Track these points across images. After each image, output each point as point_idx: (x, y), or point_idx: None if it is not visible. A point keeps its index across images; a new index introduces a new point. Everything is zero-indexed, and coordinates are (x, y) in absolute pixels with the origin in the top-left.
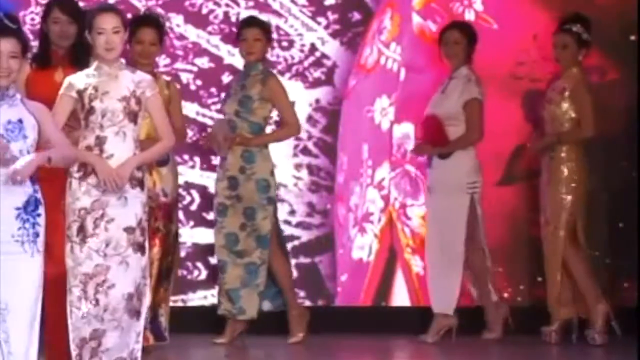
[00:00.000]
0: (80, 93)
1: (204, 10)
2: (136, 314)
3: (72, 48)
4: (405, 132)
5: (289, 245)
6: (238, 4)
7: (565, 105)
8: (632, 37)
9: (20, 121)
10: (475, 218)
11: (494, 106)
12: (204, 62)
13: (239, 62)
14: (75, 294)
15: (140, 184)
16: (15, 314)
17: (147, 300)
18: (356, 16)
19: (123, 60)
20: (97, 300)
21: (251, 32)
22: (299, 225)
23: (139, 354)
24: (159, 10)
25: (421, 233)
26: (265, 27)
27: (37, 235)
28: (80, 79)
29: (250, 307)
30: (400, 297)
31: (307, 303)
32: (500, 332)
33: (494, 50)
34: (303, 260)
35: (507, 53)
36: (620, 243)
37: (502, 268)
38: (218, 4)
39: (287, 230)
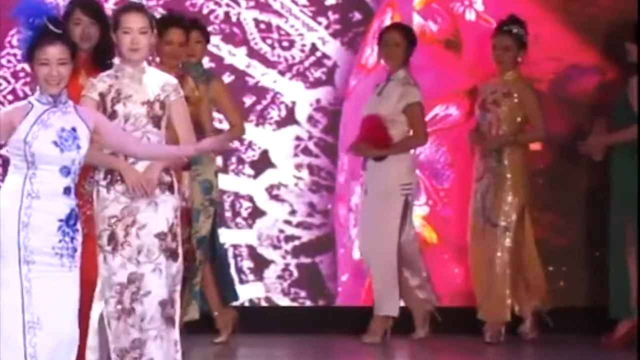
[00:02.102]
0: (102, 96)
1: (205, 10)
2: (171, 321)
3: (94, 50)
4: None
5: (290, 245)
6: (239, 4)
7: (512, 108)
8: None
9: (74, 129)
10: (404, 219)
11: None
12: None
13: (239, 62)
14: (112, 305)
15: (170, 187)
16: (47, 331)
17: (178, 307)
18: (357, 16)
19: (144, 64)
20: (133, 309)
21: (192, 36)
22: (299, 225)
23: None
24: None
25: (422, 233)
26: (204, 29)
27: (75, 250)
28: (102, 81)
29: (190, 309)
30: None
31: (308, 303)
32: (426, 331)
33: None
34: (304, 260)
35: None
36: None
37: None
38: (219, 4)
39: (288, 230)
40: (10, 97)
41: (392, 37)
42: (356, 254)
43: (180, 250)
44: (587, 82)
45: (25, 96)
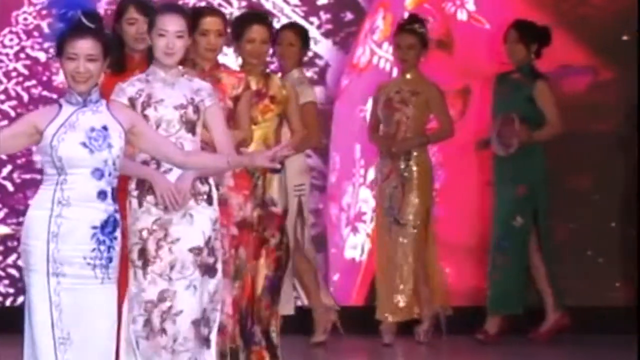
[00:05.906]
0: (131, 100)
1: None
2: (205, 341)
3: (148, 51)
4: None
5: None
6: (231, 4)
7: (421, 107)
8: (625, 37)
9: (105, 128)
10: (301, 221)
11: (487, 105)
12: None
13: (232, 62)
14: (139, 324)
15: (208, 198)
16: (78, 346)
17: (216, 327)
18: (349, 16)
19: (180, 67)
20: (164, 330)
21: None
22: None
23: None
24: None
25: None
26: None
27: (110, 260)
28: (131, 85)
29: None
30: None
31: (299, 302)
32: (327, 336)
33: (485, 50)
34: None
35: (499, 53)
36: (613, 243)
37: None
38: (210, 4)
39: None
40: (2, 97)
41: (287, 36)
42: (348, 254)
43: (219, 266)
44: (578, 81)
45: (18, 96)
